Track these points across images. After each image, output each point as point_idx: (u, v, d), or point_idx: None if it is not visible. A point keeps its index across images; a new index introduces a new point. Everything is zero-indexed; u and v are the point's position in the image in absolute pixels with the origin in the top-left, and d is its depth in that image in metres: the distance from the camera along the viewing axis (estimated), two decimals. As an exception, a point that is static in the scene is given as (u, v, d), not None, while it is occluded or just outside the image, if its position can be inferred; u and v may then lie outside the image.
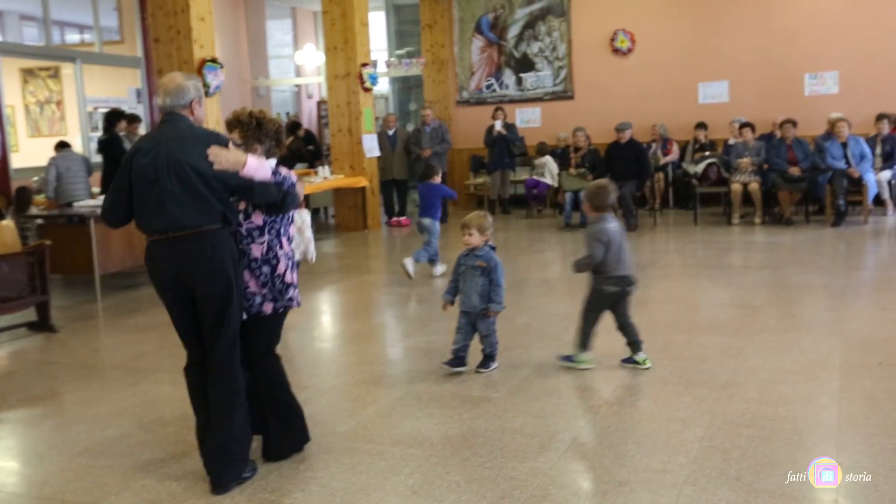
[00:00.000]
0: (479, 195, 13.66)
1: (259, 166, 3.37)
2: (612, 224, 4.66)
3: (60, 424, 4.33)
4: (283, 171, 3.50)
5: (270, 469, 3.58)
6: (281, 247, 3.59)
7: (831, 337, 5.18)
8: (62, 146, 8.99)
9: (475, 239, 4.70)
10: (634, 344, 4.76)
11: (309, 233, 3.95)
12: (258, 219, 3.51)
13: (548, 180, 11.75)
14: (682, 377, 4.54)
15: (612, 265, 4.62)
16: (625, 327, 4.76)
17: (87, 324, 6.77)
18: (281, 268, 3.58)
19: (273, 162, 3.62)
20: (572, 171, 11.04)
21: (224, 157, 3.30)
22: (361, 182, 11.44)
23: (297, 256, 3.84)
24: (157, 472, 3.63)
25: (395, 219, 12.17)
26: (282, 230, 3.59)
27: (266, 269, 3.55)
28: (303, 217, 3.92)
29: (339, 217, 11.99)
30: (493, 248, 4.75)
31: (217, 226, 3.37)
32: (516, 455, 3.61)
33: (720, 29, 12.28)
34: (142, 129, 10.70)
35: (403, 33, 15.96)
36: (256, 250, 3.52)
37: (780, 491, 3.15)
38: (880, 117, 10.59)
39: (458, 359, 4.78)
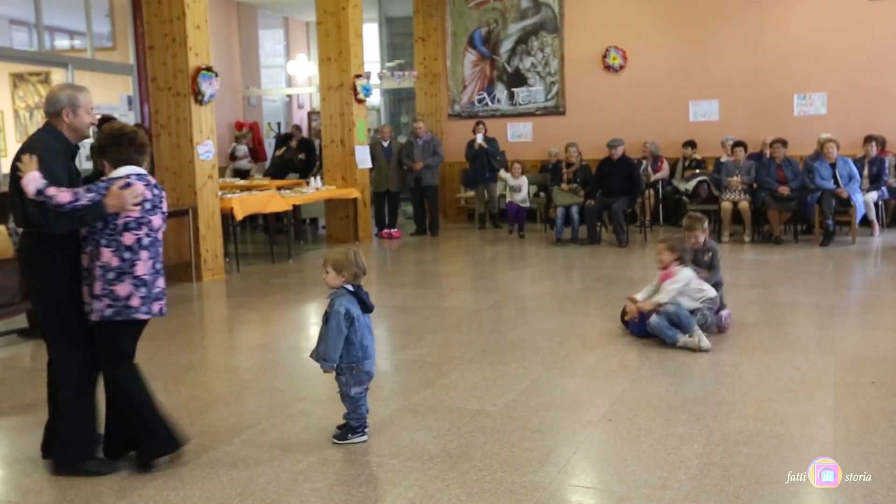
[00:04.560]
0: (469, 209, 13.70)
1: (28, 181, 3.48)
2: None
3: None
4: (51, 190, 3.47)
5: (270, 479, 3.57)
6: (99, 257, 3.59)
7: (824, 356, 5.22)
8: None
9: (331, 279, 3.94)
10: None
11: None
12: (84, 229, 3.62)
13: (518, 200, 11.89)
14: (679, 394, 4.56)
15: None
16: None
17: (77, 331, 6.71)
18: (97, 276, 3.59)
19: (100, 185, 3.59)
20: (564, 186, 11.09)
21: (23, 167, 3.54)
22: (353, 193, 11.44)
23: None
24: (153, 480, 3.60)
25: (385, 231, 12.17)
26: (102, 240, 3.58)
27: (88, 277, 3.63)
28: None
29: (330, 228, 11.99)
30: (352, 293, 3.94)
31: (33, 230, 3.59)
32: (516, 469, 3.61)
33: (711, 48, 12.40)
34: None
35: (396, 46, 16.02)
36: (83, 259, 3.65)
37: (780, 508, 3.17)
38: (868, 139, 10.73)
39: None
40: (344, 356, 3.92)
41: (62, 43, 12.99)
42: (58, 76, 11.89)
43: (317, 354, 3.98)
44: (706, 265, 5.90)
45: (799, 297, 7.09)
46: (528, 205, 11.94)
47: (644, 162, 12.15)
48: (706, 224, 5.99)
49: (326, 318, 3.93)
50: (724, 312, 5.81)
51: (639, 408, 4.37)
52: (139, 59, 11.71)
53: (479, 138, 12.33)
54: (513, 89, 13.69)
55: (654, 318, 5.51)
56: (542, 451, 3.80)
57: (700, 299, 5.62)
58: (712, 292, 5.70)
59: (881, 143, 11.07)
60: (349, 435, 3.97)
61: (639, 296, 5.75)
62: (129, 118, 11.86)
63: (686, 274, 5.63)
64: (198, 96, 8.55)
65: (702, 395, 4.51)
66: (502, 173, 12.22)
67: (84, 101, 3.75)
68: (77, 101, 3.72)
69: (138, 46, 11.67)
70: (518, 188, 11.86)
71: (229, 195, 9.61)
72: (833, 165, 10.07)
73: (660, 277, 5.73)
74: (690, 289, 5.62)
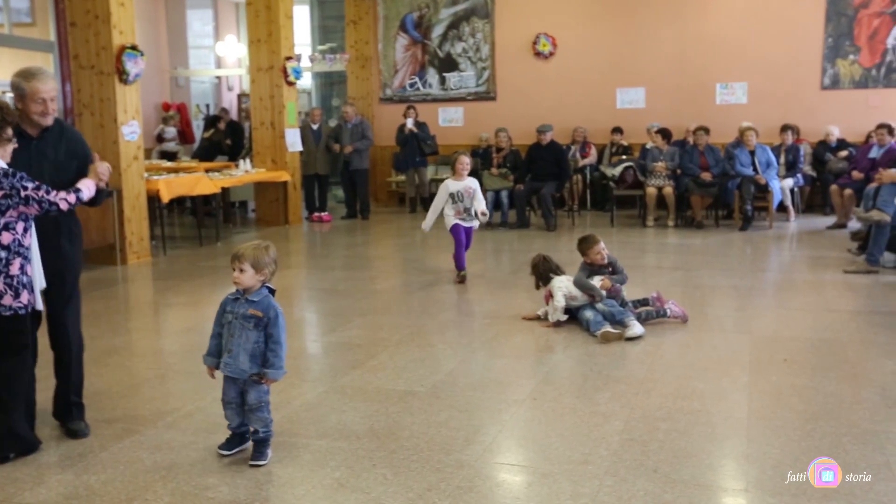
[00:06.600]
0: (400, 193, 13.71)
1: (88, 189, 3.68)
2: None
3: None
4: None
5: (194, 461, 3.55)
6: None
7: (741, 335, 5.42)
8: None
9: (247, 278, 3.50)
10: None
11: None
12: None
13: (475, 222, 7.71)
14: (602, 373, 4.68)
15: None
16: None
17: None
18: None
19: None
20: (494, 171, 11.19)
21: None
22: (283, 176, 11.33)
23: None
24: (73, 465, 3.54)
25: (315, 214, 12.09)
26: None
27: None
28: None
29: (259, 211, 11.86)
30: (272, 292, 3.59)
31: None
32: (442, 448, 3.66)
33: (638, 37, 12.63)
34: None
35: (327, 28, 15.86)
36: None
37: (695, 482, 3.29)
38: (784, 128, 11.11)
39: (238, 436, 3.65)
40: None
41: (-24, 18, 12.49)
42: (-28, 52, 11.43)
43: (233, 365, 3.55)
44: (611, 272, 5.94)
45: (718, 280, 7.32)
46: (476, 223, 7.69)
47: (572, 147, 12.34)
48: (601, 242, 5.97)
49: (262, 324, 3.51)
50: (671, 305, 5.82)
51: (563, 387, 4.47)
52: (60, 36, 11.32)
53: (410, 123, 12.34)
54: (444, 74, 13.72)
55: (586, 312, 5.60)
56: (469, 430, 3.86)
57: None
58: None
59: (796, 131, 11.48)
60: (265, 451, 3.57)
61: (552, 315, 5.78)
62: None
63: (560, 283, 5.83)
64: (122, 75, 8.34)
65: (624, 375, 4.64)
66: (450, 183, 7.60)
67: (31, 90, 3.59)
68: (21, 90, 3.60)
69: (59, 23, 11.28)
70: (462, 196, 7.47)
71: (156, 177, 9.41)
72: (752, 153, 10.39)
73: (545, 299, 5.94)
74: (574, 287, 5.78)
